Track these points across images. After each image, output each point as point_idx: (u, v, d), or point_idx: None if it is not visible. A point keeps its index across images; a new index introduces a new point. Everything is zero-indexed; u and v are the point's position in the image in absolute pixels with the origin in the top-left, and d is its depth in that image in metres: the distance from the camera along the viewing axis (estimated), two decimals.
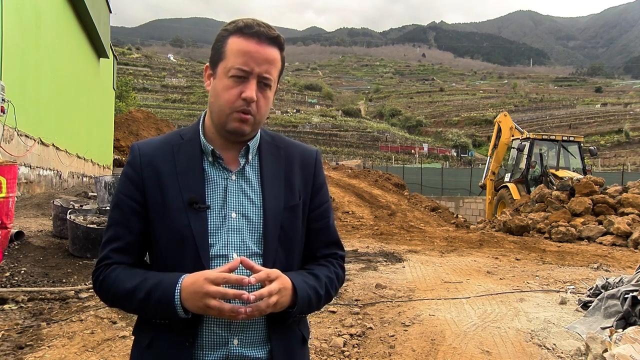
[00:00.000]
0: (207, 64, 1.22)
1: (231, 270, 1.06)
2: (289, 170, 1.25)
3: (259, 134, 1.25)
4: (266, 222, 1.18)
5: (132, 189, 1.19)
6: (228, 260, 1.13)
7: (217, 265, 1.12)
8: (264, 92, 1.16)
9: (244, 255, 1.14)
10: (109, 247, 1.18)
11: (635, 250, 8.46)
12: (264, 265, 1.13)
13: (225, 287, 1.05)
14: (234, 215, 1.17)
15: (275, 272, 1.09)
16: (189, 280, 1.06)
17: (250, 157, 1.22)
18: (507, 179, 14.98)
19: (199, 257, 1.12)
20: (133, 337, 1.23)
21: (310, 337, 1.34)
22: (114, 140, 23.09)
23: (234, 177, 1.20)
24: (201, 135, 1.22)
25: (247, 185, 1.20)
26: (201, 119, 1.26)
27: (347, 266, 5.23)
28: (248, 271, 1.09)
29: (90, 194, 10.66)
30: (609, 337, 3.09)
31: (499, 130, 16.19)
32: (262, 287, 1.07)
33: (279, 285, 1.08)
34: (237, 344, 1.14)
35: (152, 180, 1.18)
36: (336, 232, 1.35)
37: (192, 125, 1.27)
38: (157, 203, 1.16)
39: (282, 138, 1.32)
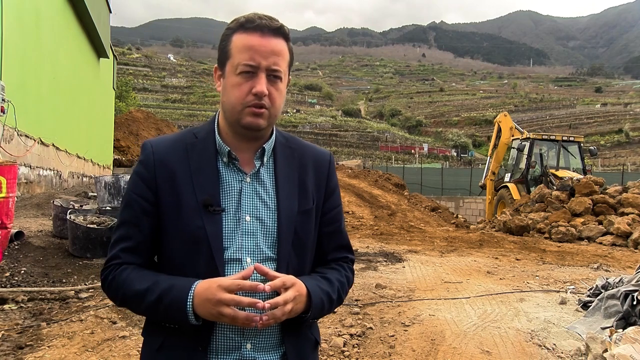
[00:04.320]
0: (216, 65, 1.20)
1: (245, 278, 1.04)
2: (302, 173, 1.24)
3: (274, 135, 1.23)
4: (280, 226, 1.16)
5: (144, 188, 1.16)
6: (242, 264, 1.12)
7: (231, 269, 1.11)
8: (275, 85, 1.14)
9: (258, 259, 1.13)
10: (118, 246, 1.17)
11: (635, 250, 8.46)
12: (277, 269, 1.12)
13: (240, 294, 1.04)
14: (248, 218, 1.15)
15: (290, 279, 1.08)
16: (202, 287, 1.05)
17: (265, 159, 1.20)
18: (507, 179, 14.97)
19: (212, 260, 1.10)
20: (142, 339, 1.22)
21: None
22: (114, 140, 23.09)
23: (248, 179, 1.18)
24: (217, 135, 1.20)
25: (262, 188, 1.18)
26: (215, 119, 1.23)
27: None
28: (263, 277, 1.08)
29: (90, 194, 10.66)
30: (609, 337, 3.09)
31: (499, 130, 16.19)
32: (276, 293, 1.06)
33: (294, 292, 1.06)
34: (250, 348, 1.13)
35: (165, 179, 1.15)
36: (347, 236, 1.34)
37: (206, 124, 1.24)
38: (170, 203, 1.14)
39: (295, 139, 1.30)
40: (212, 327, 1.11)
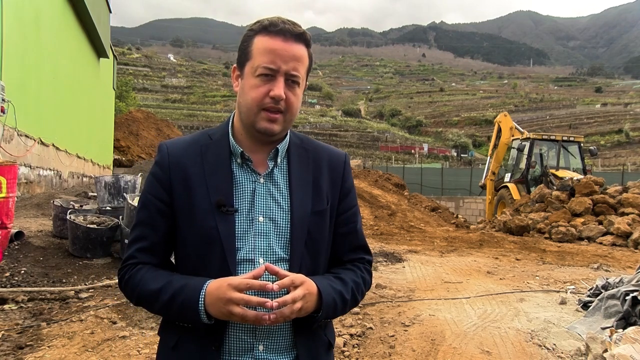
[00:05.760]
0: (235, 65, 1.21)
1: (256, 277, 1.04)
2: (317, 173, 1.24)
3: (288, 136, 1.24)
4: (293, 227, 1.17)
5: (160, 189, 1.18)
6: (255, 264, 1.12)
7: (243, 270, 1.12)
8: (292, 90, 1.15)
9: (270, 260, 1.13)
10: (134, 246, 1.19)
11: (635, 250, 8.46)
12: (290, 270, 1.12)
13: (250, 293, 1.04)
14: (261, 219, 1.16)
15: (300, 277, 1.07)
16: (213, 286, 1.06)
17: (279, 160, 1.21)
18: (507, 179, 14.97)
19: (225, 260, 1.11)
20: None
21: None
22: (114, 140, 23.08)
23: (262, 180, 1.19)
24: (230, 136, 1.20)
25: (275, 189, 1.19)
26: (230, 120, 1.24)
27: None
28: (274, 276, 1.08)
29: (90, 194, 10.64)
30: (609, 337, 3.09)
31: (499, 130, 16.18)
32: (287, 292, 1.06)
33: (303, 291, 1.06)
34: (263, 350, 1.14)
35: (179, 181, 1.17)
36: (363, 237, 1.34)
37: (221, 125, 1.26)
38: (184, 204, 1.16)
39: (310, 141, 1.30)
40: (225, 326, 1.12)
